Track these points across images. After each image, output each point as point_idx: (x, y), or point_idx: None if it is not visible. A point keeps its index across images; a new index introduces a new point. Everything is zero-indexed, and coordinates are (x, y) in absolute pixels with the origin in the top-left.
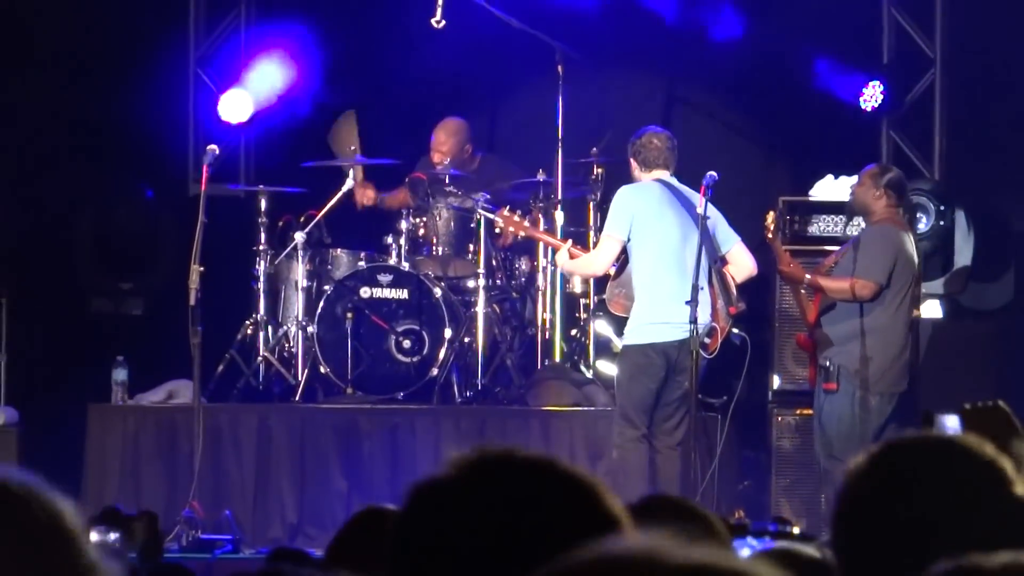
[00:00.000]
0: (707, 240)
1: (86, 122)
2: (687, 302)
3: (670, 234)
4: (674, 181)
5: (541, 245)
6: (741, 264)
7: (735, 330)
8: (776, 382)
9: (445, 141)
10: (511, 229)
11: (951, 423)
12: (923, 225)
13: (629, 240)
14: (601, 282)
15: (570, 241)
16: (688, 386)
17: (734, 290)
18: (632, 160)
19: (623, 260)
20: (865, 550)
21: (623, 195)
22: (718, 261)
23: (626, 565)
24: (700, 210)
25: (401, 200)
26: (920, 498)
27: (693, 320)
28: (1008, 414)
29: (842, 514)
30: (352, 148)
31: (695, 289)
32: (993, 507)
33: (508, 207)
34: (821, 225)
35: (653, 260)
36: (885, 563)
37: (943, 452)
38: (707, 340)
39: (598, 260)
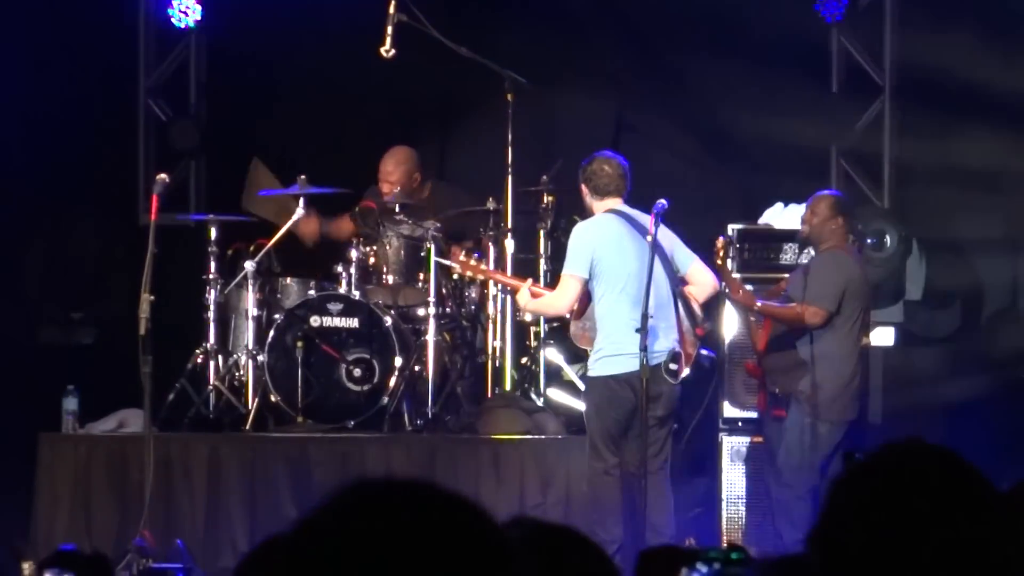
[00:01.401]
0: (665, 266)
1: (36, 151)
2: (636, 330)
3: (629, 265)
4: (627, 209)
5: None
6: (701, 282)
7: (703, 351)
8: (726, 409)
9: (394, 171)
10: (468, 274)
11: None
12: (885, 250)
13: (590, 278)
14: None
15: (530, 280)
16: (661, 413)
17: (699, 311)
18: (583, 187)
19: (585, 296)
20: (851, 564)
21: (580, 233)
22: (679, 284)
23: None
24: (649, 238)
25: (347, 230)
26: (908, 506)
27: (643, 348)
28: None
29: (825, 528)
30: (274, 184)
31: (644, 318)
32: (978, 514)
33: (464, 251)
34: (771, 252)
35: (613, 293)
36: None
37: (929, 459)
38: (672, 366)
39: (560, 300)
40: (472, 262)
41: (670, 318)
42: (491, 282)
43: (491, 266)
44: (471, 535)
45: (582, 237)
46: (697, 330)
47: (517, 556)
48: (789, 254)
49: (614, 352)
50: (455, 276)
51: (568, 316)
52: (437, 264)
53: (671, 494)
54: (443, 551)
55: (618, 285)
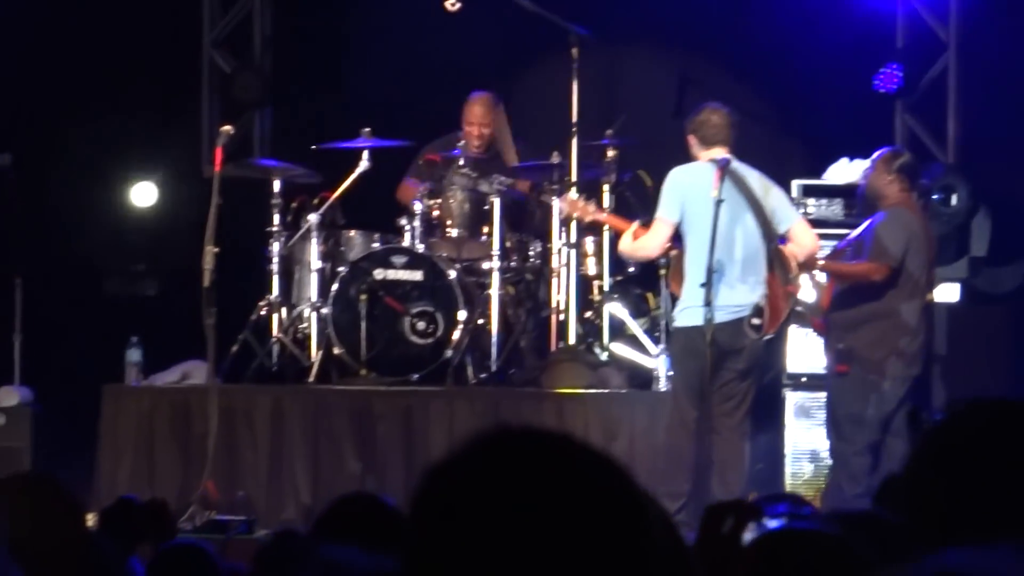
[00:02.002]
0: (759, 219)
1: (99, 103)
2: (701, 285)
3: (721, 216)
4: (731, 158)
5: (554, 227)
6: (801, 242)
7: (798, 308)
8: (790, 365)
9: (486, 114)
10: (577, 215)
11: None
12: (952, 206)
13: (680, 223)
14: (619, 265)
15: (636, 223)
16: (742, 367)
17: (794, 269)
18: (691, 137)
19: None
20: (940, 514)
21: (673, 177)
22: (775, 241)
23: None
24: (715, 194)
25: (409, 195)
26: (1004, 457)
27: (707, 303)
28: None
29: (925, 466)
30: None
31: (709, 272)
32: None
33: (573, 192)
34: (835, 208)
35: (702, 242)
36: (975, 516)
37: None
38: (755, 321)
39: (650, 243)
40: (581, 202)
41: (759, 272)
42: (554, 235)
43: (555, 219)
44: (611, 488)
45: (675, 182)
46: (788, 287)
47: (654, 513)
48: (853, 210)
49: (698, 303)
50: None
51: (661, 260)
52: (499, 206)
53: (747, 451)
54: (583, 502)
55: (706, 234)
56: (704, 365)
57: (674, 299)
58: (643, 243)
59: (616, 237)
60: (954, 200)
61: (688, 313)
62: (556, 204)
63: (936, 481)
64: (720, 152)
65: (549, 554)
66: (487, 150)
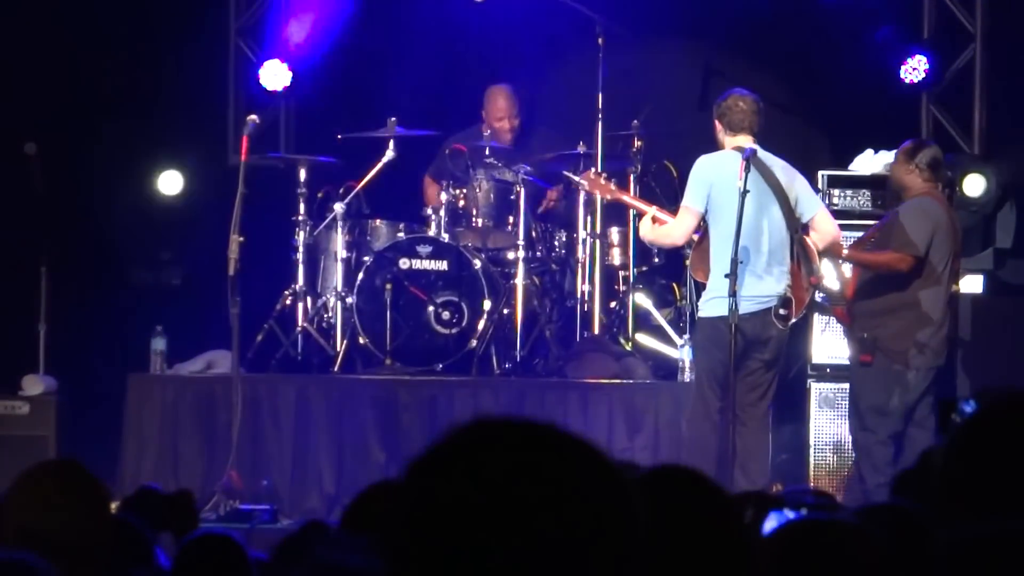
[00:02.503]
0: (784, 209)
1: (125, 92)
2: (725, 275)
3: (746, 206)
4: (756, 147)
5: (580, 218)
6: (823, 231)
7: (820, 298)
8: (814, 355)
9: (511, 106)
10: (597, 192)
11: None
12: (981, 195)
13: (706, 212)
14: (644, 255)
15: (654, 208)
16: (768, 357)
17: (816, 260)
18: (717, 122)
19: (706, 228)
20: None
21: (700, 166)
22: (799, 230)
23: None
24: (740, 184)
25: (433, 193)
26: None
27: (732, 293)
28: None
29: (961, 456)
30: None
31: (734, 263)
32: None
33: (594, 170)
34: (861, 199)
35: (728, 231)
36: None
37: None
38: (782, 311)
39: (676, 231)
40: (602, 180)
41: (784, 262)
42: (580, 225)
43: (581, 209)
44: (591, 475)
45: (701, 170)
46: (811, 278)
47: (636, 498)
48: (879, 200)
49: (724, 294)
50: (584, 192)
51: (686, 248)
52: (524, 195)
53: (769, 442)
54: (563, 491)
55: (731, 224)
56: (729, 355)
57: (698, 288)
58: (668, 231)
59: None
60: (982, 190)
61: (714, 303)
62: (576, 179)
63: (971, 471)
64: (746, 139)
65: (531, 543)
66: (510, 138)
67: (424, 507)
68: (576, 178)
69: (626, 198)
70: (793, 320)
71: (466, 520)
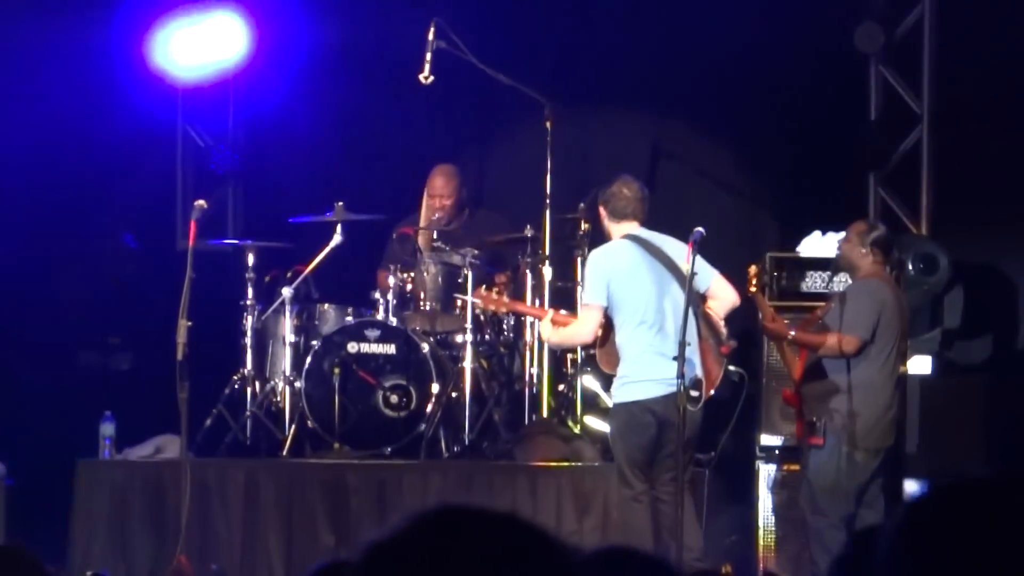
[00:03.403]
0: (668, 292)
1: (71, 175)
2: (673, 358)
3: (647, 291)
4: (644, 233)
5: (528, 301)
6: (722, 297)
7: (731, 368)
8: (763, 437)
9: (445, 186)
10: (491, 307)
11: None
12: (935, 275)
13: (608, 305)
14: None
15: (551, 311)
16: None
17: (723, 329)
18: (601, 208)
19: (609, 322)
20: None
21: (595, 261)
22: (700, 303)
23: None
24: (687, 267)
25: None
26: (988, 541)
27: (680, 376)
28: None
29: (899, 554)
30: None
31: (682, 346)
32: None
33: (484, 287)
34: (808, 281)
35: (633, 321)
36: None
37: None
38: (693, 393)
39: (582, 329)
40: (494, 295)
41: (693, 341)
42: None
43: (529, 293)
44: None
45: (597, 265)
46: (722, 348)
47: None
48: (826, 282)
49: (636, 378)
50: (478, 311)
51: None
52: (472, 279)
53: (697, 516)
54: None
55: (637, 312)
56: (648, 439)
57: (607, 381)
58: (574, 331)
59: None
60: (935, 270)
61: (628, 388)
62: (467, 299)
63: (913, 559)
64: (631, 225)
65: None
66: (450, 222)
67: None
68: (467, 298)
69: (521, 308)
70: (705, 399)
71: None
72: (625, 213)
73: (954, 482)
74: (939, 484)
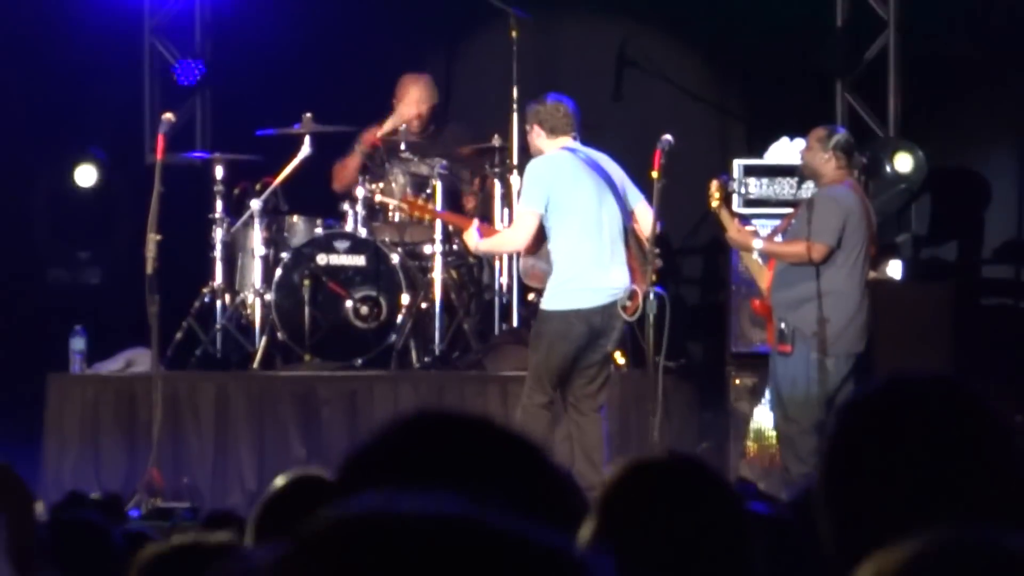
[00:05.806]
0: (618, 201)
1: (38, 91)
2: (609, 268)
3: (588, 200)
4: (579, 146)
5: (496, 211)
6: (642, 223)
7: (656, 289)
8: (733, 345)
9: (422, 94)
10: (416, 214)
11: None
12: (907, 176)
13: (546, 212)
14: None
15: (476, 220)
16: (610, 349)
17: (649, 248)
18: (536, 127)
19: (539, 233)
20: (861, 500)
21: (535, 168)
22: (630, 220)
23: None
24: (655, 173)
25: (353, 167)
26: (923, 442)
27: (590, 285)
28: None
29: (834, 461)
30: None
31: (648, 255)
32: (998, 453)
33: (410, 190)
34: (776, 188)
35: (572, 228)
36: (884, 515)
37: (945, 392)
38: (627, 303)
39: (518, 235)
40: (419, 202)
41: (622, 254)
42: (497, 219)
43: (498, 202)
44: (531, 470)
45: (537, 172)
46: (652, 265)
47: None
48: (794, 189)
49: (576, 287)
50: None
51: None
52: (441, 189)
53: (606, 431)
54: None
55: (576, 220)
56: (577, 348)
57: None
58: (508, 237)
59: None
60: (911, 166)
61: (565, 296)
62: (388, 200)
63: (850, 473)
64: (567, 140)
65: None
66: (424, 131)
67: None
68: (388, 200)
69: (444, 215)
70: (634, 312)
71: None
72: (564, 129)
73: (880, 385)
74: (866, 389)
